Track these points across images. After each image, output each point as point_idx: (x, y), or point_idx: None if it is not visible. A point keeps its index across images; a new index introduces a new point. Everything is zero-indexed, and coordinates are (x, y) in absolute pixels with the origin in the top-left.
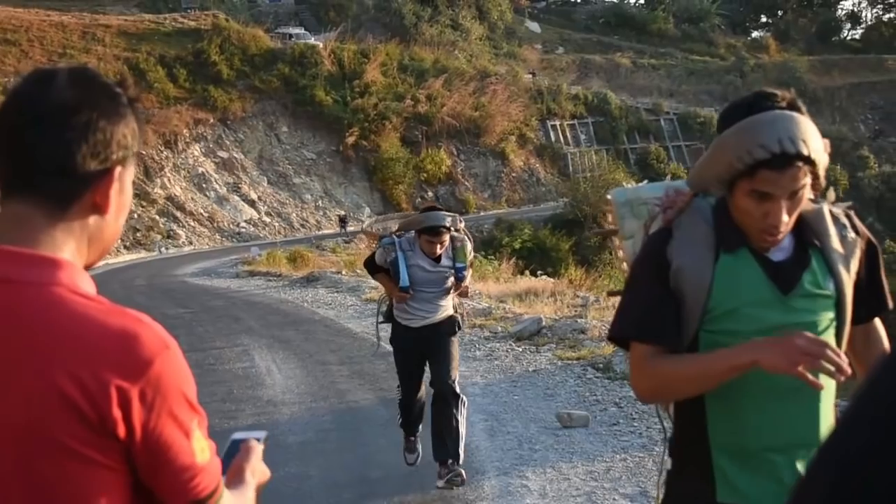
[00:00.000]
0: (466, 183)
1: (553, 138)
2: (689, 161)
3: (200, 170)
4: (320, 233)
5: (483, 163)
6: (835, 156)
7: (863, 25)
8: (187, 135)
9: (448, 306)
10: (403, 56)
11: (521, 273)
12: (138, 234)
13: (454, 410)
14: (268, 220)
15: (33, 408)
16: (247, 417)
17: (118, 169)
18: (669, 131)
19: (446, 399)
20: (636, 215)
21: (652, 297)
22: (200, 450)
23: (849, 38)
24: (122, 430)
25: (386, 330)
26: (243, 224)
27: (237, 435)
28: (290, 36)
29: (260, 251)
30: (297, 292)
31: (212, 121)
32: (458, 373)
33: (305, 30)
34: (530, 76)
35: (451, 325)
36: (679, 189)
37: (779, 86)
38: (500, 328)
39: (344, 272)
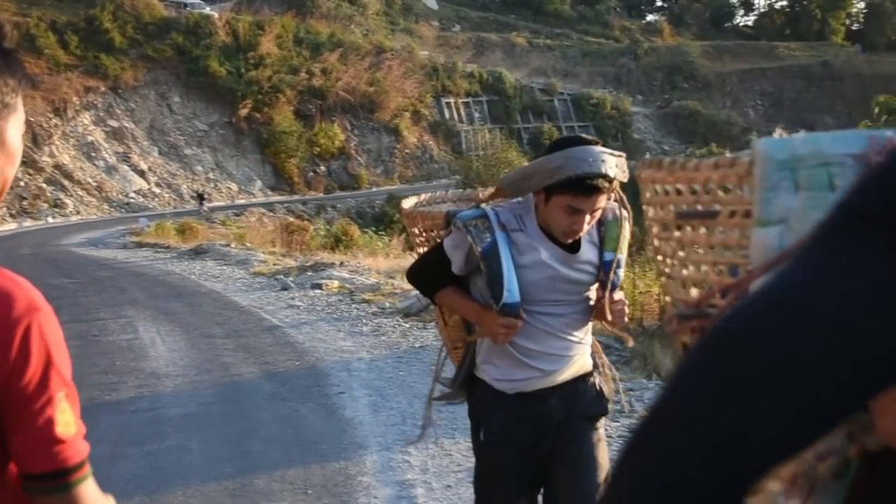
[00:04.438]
0: (359, 158)
1: (447, 116)
2: None
3: (90, 138)
4: (175, 209)
5: (377, 138)
6: (724, 140)
7: (755, 12)
8: (77, 102)
9: (586, 344)
10: (299, 29)
11: (412, 249)
12: (24, 203)
13: None
14: (158, 191)
15: None
16: (129, 390)
17: None
18: (563, 112)
19: None
20: (806, 184)
21: None
22: (65, 423)
23: (741, 24)
24: None
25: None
26: (132, 194)
27: None
28: (185, 5)
29: (148, 222)
30: (184, 264)
31: (103, 89)
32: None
33: None
34: (426, 53)
35: (596, 399)
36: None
37: (671, 69)
38: (388, 304)
39: (233, 245)
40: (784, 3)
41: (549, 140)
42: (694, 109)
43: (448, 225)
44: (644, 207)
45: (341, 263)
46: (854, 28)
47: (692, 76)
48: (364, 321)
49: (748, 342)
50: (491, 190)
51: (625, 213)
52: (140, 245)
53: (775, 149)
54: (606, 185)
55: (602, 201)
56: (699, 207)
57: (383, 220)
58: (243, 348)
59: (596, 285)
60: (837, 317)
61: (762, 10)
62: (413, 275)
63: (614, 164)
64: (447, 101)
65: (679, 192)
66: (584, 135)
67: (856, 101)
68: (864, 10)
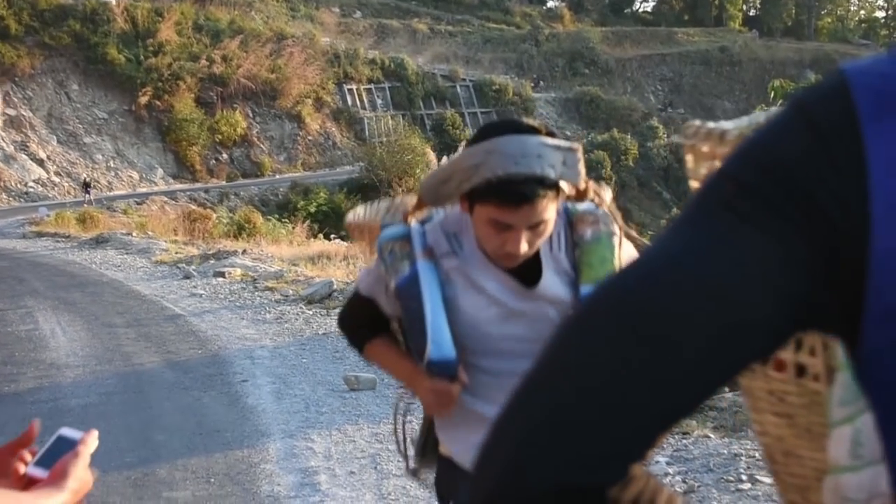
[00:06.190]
0: (262, 145)
1: (350, 102)
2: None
3: None
4: (75, 198)
5: (279, 125)
6: (625, 125)
7: None
8: None
9: None
10: (199, 15)
11: (315, 236)
12: None
13: None
14: (57, 179)
15: None
16: (28, 381)
17: None
18: (465, 98)
19: None
20: None
21: None
22: None
23: (641, 10)
24: None
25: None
26: (31, 184)
27: (64, 431)
28: None
29: (48, 211)
30: (85, 254)
31: None
32: None
33: None
34: (327, 40)
35: None
36: None
37: (573, 55)
38: (291, 291)
39: (135, 234)
40: None
41: (451, 126)
42: (595, 95)
43: None
44: (696, 186)
45: (244, 251)
46: (751, 14)
47: (593, 62)
48: (267, 309)
49: (620, 310)
50: (414, 201)
51: (615, 227)
52: (40, 235)
53: None
54: (544, 191)
55: (544, 213)
56: None
57: (287, 207)
58: (145, 337)
59: None
60: (707, 288)
61: None
62: (340, 321)
63: (559, 161)
64: (349, 87)
65: None
66: (522, 118)
67: (753, 86)
68: None
